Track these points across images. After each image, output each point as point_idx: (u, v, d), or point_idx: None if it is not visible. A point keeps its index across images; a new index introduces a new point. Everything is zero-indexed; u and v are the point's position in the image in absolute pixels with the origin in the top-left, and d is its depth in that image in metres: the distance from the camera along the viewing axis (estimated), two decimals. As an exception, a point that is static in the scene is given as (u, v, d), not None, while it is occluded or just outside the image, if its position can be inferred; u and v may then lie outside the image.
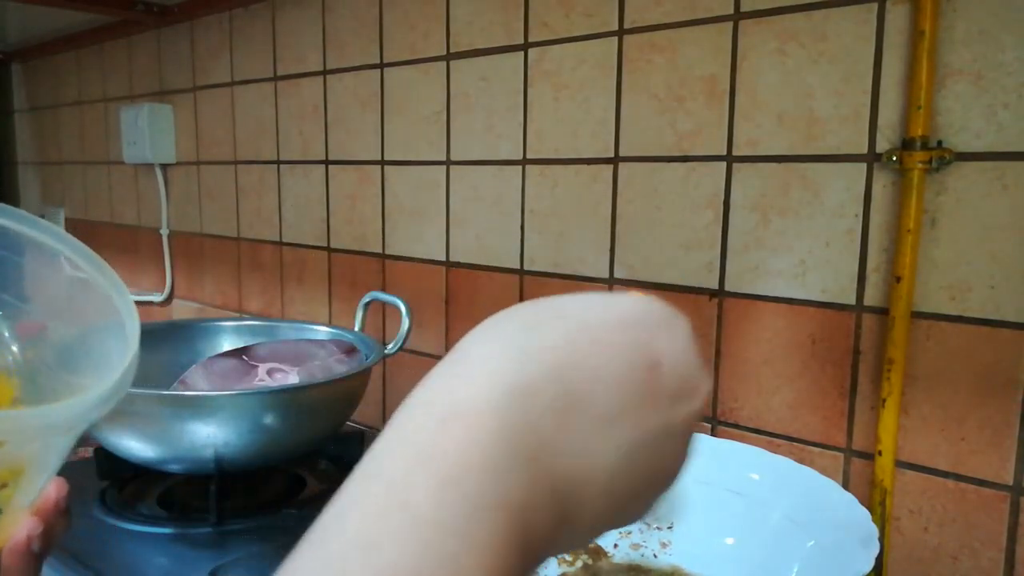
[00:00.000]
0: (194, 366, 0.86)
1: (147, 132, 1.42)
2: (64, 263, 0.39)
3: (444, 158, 0.99)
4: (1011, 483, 0.62)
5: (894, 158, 0.64)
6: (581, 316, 0.27)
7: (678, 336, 0.27)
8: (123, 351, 0.37)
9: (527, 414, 0.24)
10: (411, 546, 0.20)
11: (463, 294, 1.00)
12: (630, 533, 0.68)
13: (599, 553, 0.67)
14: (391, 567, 0.20)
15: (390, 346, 0.92)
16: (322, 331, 1.00)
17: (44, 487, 0.38)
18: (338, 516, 0.22)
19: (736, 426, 0.76)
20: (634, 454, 0.25)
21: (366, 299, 0.98)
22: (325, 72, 1.13)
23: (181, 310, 1.51)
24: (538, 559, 0.24)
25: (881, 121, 0.65)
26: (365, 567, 0.20)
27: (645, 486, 0.27)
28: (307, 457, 0.91)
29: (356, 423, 1.12)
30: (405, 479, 0.22)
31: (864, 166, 0.67)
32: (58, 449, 0.37)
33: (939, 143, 0.62)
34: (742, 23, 0.72)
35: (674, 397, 0.26)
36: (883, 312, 0.66)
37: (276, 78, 1.22)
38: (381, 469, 0.23)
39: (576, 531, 0.25)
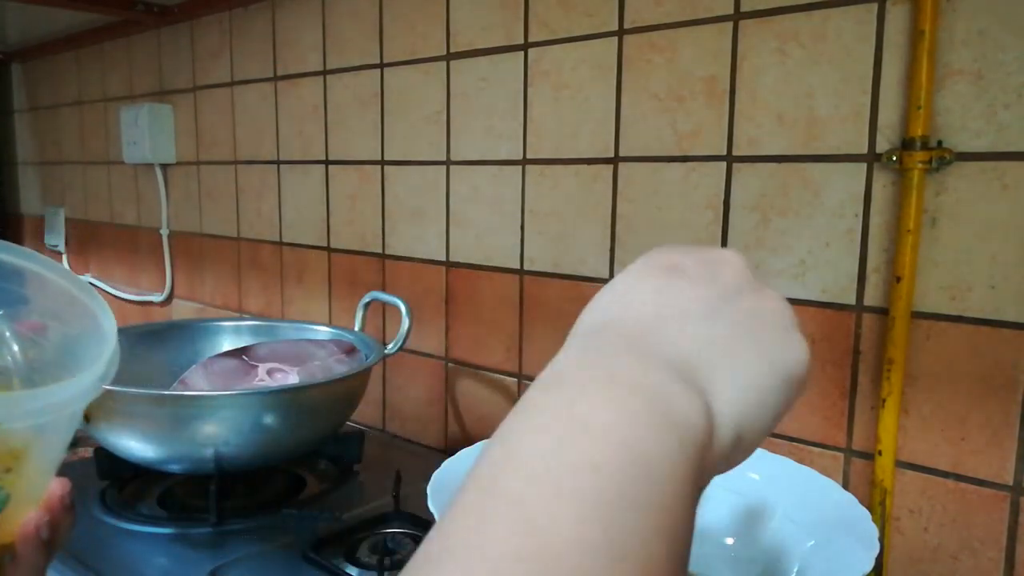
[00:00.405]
0: (194, 366, 0.86)
1: (147, 132, 1.42)
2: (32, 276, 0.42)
3: (444, 158, 0.99)
4: (1011, 483, 0.62)
5: (894, 158, 0.64)
6: (668, 258, 0.29)
7: (748, 268, 0.29)
8: (101, 345, 0.40)
9: (624, 327, 0.25)
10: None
11: (463, 294, 1.00)
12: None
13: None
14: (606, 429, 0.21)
15: (390, 346, 0.92)
16: (322, 331, 1.00)
17: (47, 482, 0.41)
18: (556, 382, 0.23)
19: (736, 426, 0.76)
20: (723, 331, 0.26)
21: (366, 299, 0.98)
22: (325, 72, 1.13)
23: (181, 310, 1.52)
24: (705, 462, 0.24)
25: (881, 121, 0.65)
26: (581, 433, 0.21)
27: (767, 359, 0.28)
28: (307, 457, 0.91)
29: (356, 423, 1.12)
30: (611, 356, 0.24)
31: (864, 166, 0.67)
32: (55, 438, 0.40)
33: (939, 143, 0.62)
34: (742, 23, 0.72)
35: (736, 295, 0.27)
36: (883, 312, 0.66)
37: (276, 78, 1.22)
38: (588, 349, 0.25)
39: (724, 423, 0.25)
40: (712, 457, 0.24)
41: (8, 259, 0.41)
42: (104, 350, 0.40)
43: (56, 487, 0.42)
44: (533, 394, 0.23)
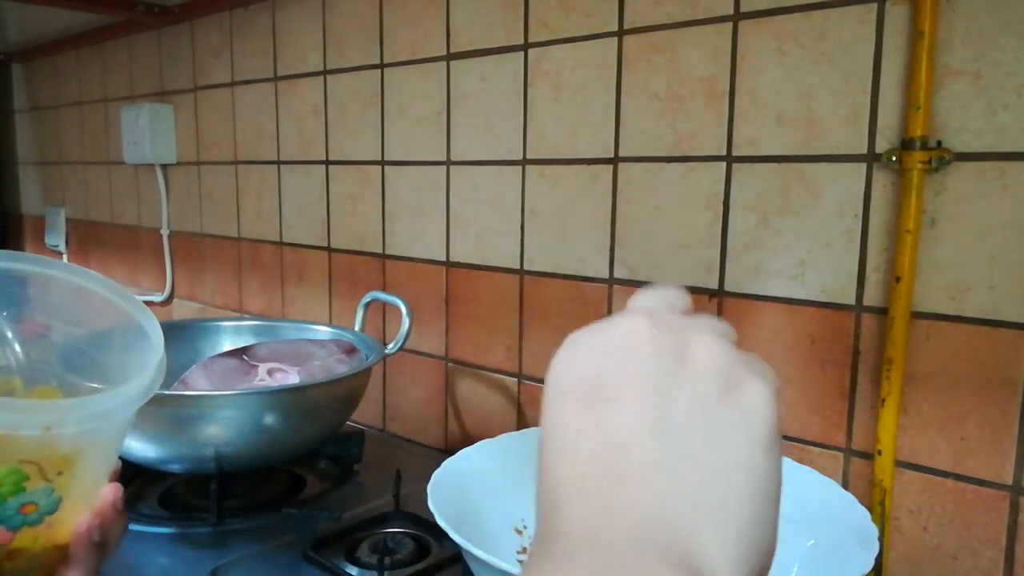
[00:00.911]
0: (194, 366, 0.86)
1: (147, 132, 1.42)
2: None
3: (444, 158, 0.99)
4: (1011, 483, 0.62)
5: (893, 158, 0.64)
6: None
7: (725, 343, 0.25)
8: (146, 352, 0.42)
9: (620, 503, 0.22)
10: None
11: (463, 294, 1.00)
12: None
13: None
14: None
15: (390, 346, 0.92)
16: (322, 331, 1.00)
17: (99, 486, 0.43)
18: None
19: (736, 426, 0.76)
20: (716, 480, 0.22)
21: (366, 299, 0.98)
22: (325, 72, 1.14)
23: (181, 310, 1.52)
24: None
25: (880, 121, 0.65)
26: None
27: (753, 488, 0.23)
28: (307, 457, 0.91)
29: (356, 423, 1.12)
30: None
31: (864, 166, 0.67)
32: (105, 444, 0.43)
33: (938, 143, 0.62)
34: (742, 23, 0.72)
35: (723, 391, 0.23)
36: (883, 312, 0.66)
37: (276, 78, 1.22)
38: None
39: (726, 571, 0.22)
40: None
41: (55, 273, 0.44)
42: (151, 359, 0.42)
43: (108, 492, 0.43)
44: None
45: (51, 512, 0.40)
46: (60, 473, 0.40)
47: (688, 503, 0.21)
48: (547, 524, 0.23)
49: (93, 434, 0.41)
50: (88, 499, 0.43)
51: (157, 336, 0.43)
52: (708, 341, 0.24)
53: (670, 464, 0.22)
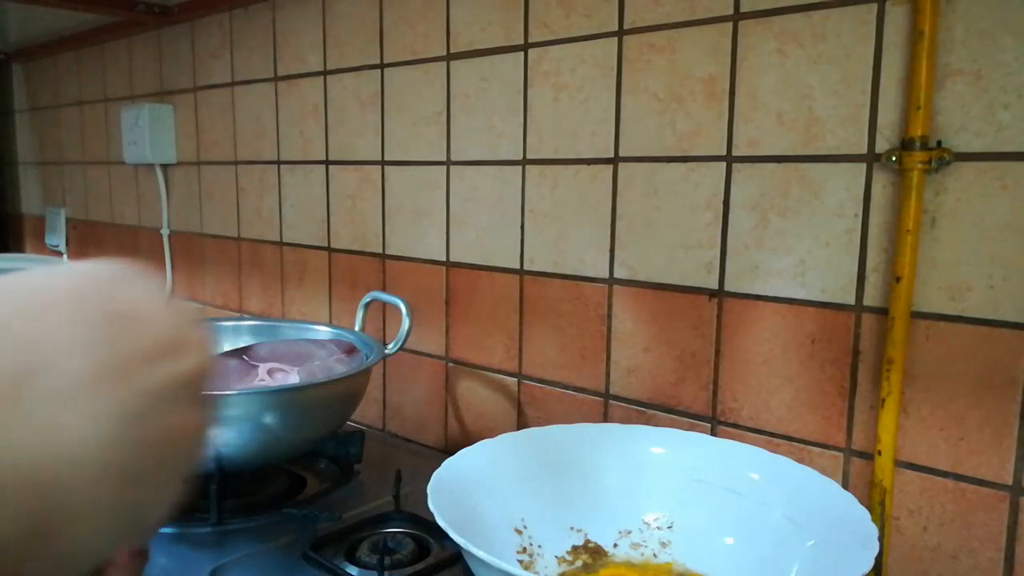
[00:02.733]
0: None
1: (147, 132, 1.42)
2: None
3: (444, 158, 0.99)
4: (1011, 483, 0.62)
5: (893, 158, 0.64)
6: (20, 286, 0.22)
7: (147, 290, 0.23)
8: None
9: None
10: None
11: (463, 294, 1.00)
12: (630, 532, 0.68)
13: (599, 553, 0.67)
14: None
15: (390, 346, 0.92)
16: (322, 331, 1.00)
17: None
18: None
19: (736, 426, 0.77)
20: (124, 423, 0.21)
21: (366, 299, 0.98)
22: (325, 72, 1.14)
23: (181, 310, 1.51)
24: None
25: (880, 121, 0.65)
26: None
27: (155, 463, 0.22)
28: (307, 457, 0.91)
29: (356, 423, 1.12)
30: None
31: (864, 166, 0.67)
32: None
33: (938, 143, 0.62)
34: (742, 23, 0.72)
35: (158, 353, 0.22)
36: (882, 312, 0.66)
37: (276, 78, 1.22)
38: None
39: (66, 538, 0.20)
40: None
41: None
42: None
43: None
44: None
45: None
46: None
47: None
48: None
49: None
50: None
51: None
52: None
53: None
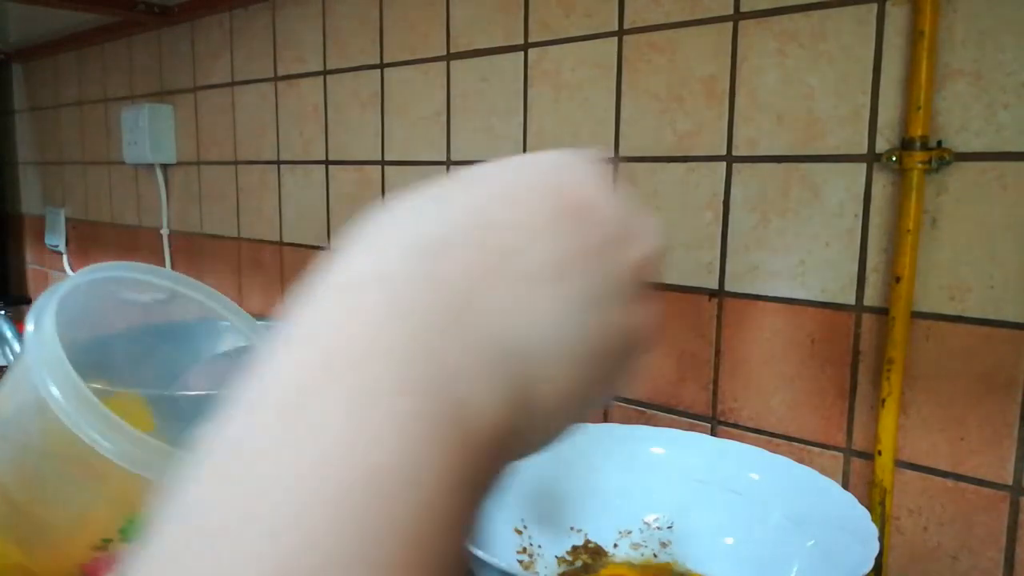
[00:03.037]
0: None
1: (147, 132, 1.42)
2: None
3: (444, 158, 0.99)
4: (1011, 483, 0.62)
5: (894, 158, 0.64)
6: (492, 177, 0.23)
7: (602, 180, 0.24)
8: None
9: (439, 272, 0.20)
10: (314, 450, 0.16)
11: (463, 294, 1.00)
12: (630, 532, 0.68)
13: (599, 553, 0.67)
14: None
15: (390, 346, 0.92)
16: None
17: None
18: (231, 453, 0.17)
19: (736, 426, 0.77)
20: (584, 309, 0.22)
21: (366, 299, 0.98)
22: (325, 72, 1.14)
23: (181, 310, 1.51)
24: (496, 457, 0.19)
25: (881, 121, 0.65)
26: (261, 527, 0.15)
27: (605, 348, 0.23)
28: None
29: (356, 423, 1.12)
30: (301, 380, 0.18)
31: (864, 166, 0.67)
32: None
33: (939, 143, 0.62)
34: (742, 23, 0.72)
35: (613, 241, 0.23)
36: (883, 312, 0.66)
37: (276, 78, 1.22)
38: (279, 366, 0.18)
39: (539, 412, 0.21)
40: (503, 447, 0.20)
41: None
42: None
43: None
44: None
45: None
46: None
47: (552, 353, 0.21)
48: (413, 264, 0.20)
49: None
50: None
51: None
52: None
53: (565, 320, 0.22)
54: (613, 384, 0.24)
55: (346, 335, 0.18)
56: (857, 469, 0.70)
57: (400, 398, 0.17)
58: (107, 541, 0.39)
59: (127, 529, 0.39)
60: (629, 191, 0.25)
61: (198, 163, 1.41)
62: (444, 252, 0.20)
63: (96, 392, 0.41)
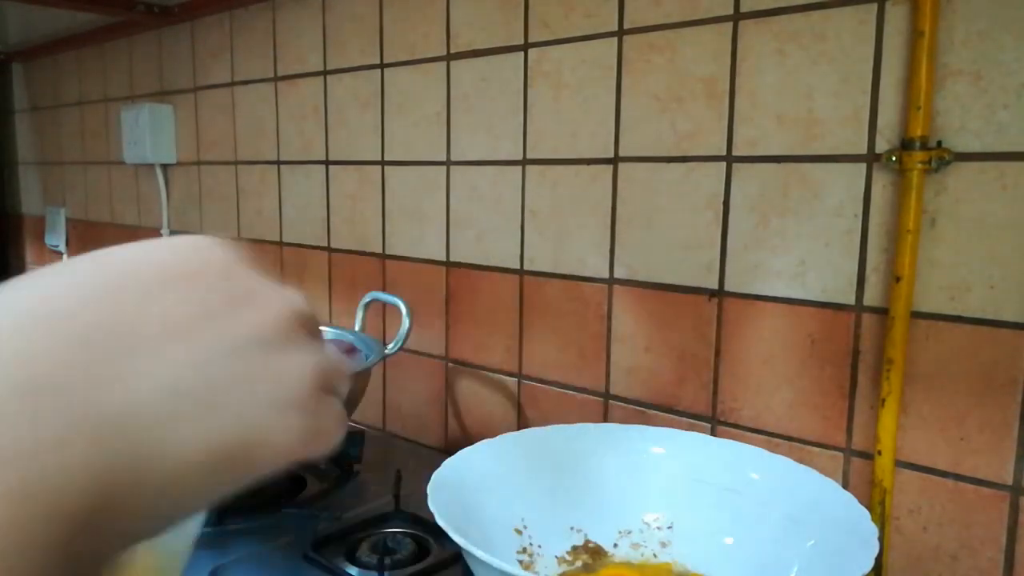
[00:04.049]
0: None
1: (147, 132, 1.42)
2: None
3: (444, 158, 0.99)
4: (1011, 483, 0.62)
5: (893, 158, 0.64)
6: (119, 253, 0.24)
7: (228, 252, 0.25)
8: None
9: (51, 340, 0.20)
10: None
11: (463, 294, 1.00)
12: (630, 532, 0.68)
13: (599, 553, 0.67)
14: None
15: (390, 346, 0.92)
16: (322, 331, 1.00)
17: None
18: None
19: (736, 426, 0.77)
20: (211, 362, 0.22)
21: (366, 299, 0.98)
22: (325, 72, 1.14)
23: (181, 310, 1.51)
24: (95, 533, 0.19)
25: (880, 121, 0.65)
26: None
27: (251, 397, 0.23)
28: (307, 457, 0.91)
29: (356, 423, 1.12)
30: None
31: (863, 166, 0.67)
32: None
33: (938, 143, 0.62)
34: (742, 23, 0.72)
35: (233, 304, 0.24)
36: (883, 312, 0.66)
37: (276, 78, 1.22)
38: None
39: (154, 479, 0.21)
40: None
41: None
42: None
43: None
44: None
45: None
46: None
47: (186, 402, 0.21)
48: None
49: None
50: None
51: None
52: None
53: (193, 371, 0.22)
54: (284, 443, 0.24)
55: None
56: (857, 469, 0.70)
57: None
58: None
59: None
60: (258, 264, 0.26)
61: (198, 163, 1.41)
62: (63, 320, 0.20)
63: None
